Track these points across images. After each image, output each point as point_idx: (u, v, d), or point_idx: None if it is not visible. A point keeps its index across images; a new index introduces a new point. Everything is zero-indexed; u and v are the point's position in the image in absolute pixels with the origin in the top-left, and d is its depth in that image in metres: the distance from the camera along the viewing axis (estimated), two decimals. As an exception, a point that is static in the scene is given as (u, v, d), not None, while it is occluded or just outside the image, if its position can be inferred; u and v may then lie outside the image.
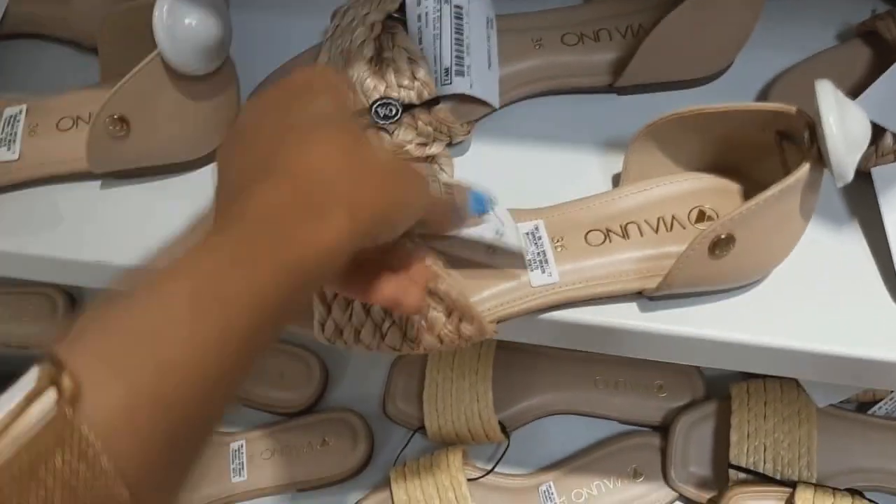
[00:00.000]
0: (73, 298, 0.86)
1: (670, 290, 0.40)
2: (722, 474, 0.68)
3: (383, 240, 0.31)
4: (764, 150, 0.40)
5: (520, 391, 0.76)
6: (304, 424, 0.76)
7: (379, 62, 0.44)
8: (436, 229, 0.36)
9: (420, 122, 0.44)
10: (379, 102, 0.43)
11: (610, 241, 0.41)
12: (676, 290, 0.40)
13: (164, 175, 0.48)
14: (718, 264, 0.38)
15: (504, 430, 0.73)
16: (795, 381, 0.69)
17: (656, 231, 0.42)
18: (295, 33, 0.52)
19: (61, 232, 0.46)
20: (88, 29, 0.50)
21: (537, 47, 0.48)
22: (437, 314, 0.39)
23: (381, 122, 0.43)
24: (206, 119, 0.46)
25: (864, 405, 0.72)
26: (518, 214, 0.42)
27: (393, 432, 0.77)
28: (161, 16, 0.41)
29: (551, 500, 0.70)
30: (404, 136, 0.43)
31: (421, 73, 0.43)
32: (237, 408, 0.79)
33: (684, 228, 0.42)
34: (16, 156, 0.48)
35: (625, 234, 0.41)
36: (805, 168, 0.36)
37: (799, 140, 0.38)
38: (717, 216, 0.42)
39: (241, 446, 0.75)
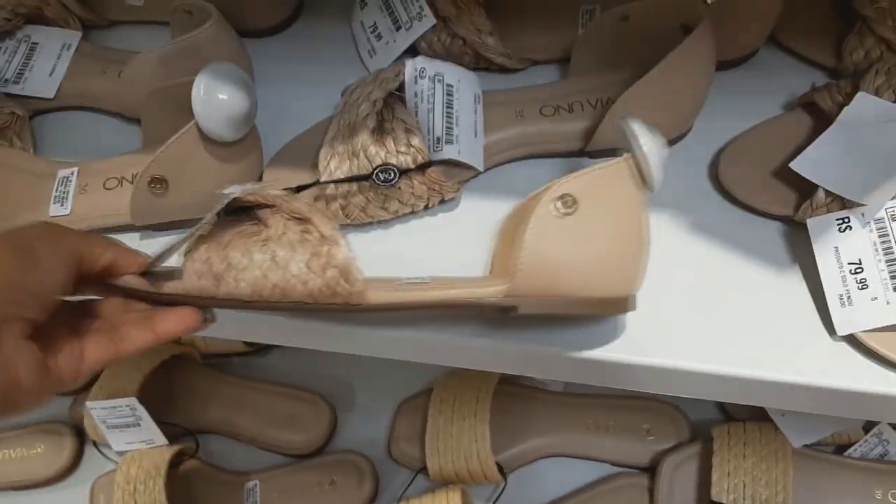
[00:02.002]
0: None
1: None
2: (705, 511, 0.72)
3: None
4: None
5: (517, 434, 0.81)
6: (314, 465, 0.81)
7: (380, 132, 0.50)
8: (119, 270, 0.42)
9: (416, 183, 0.50)
10: (380, 168, 0.49)
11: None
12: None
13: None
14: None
15: (501, 471, 0.77)
16: (773, 423, 0.74)
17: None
18: (310, 105, 0.58)
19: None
20: (133, 102, 0.57)
21: (519, 117, 0.55)
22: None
23: (381, 185, 0.50)
24: (233, 179, 0.52)
25: (840, 448, 0.77)
26: None
27: (397, 473, 0.81)
28: (199, 91, 0.48)
29: (546, 537, 0.74)
30: (391, 206, 0.50)
31: (416, 141, 0.50)
32: (251, 450, 0.84)
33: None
34: (68, 211, 0.55)
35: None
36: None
37: None
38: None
39: (255, 486, 0.80)
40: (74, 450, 0.85)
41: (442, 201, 0.53)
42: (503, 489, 0.78)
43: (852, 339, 0.46)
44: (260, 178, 0.56)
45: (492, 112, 0.55)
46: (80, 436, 0.86)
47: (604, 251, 0.42)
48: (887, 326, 0.45)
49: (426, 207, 0.53)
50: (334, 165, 0.50)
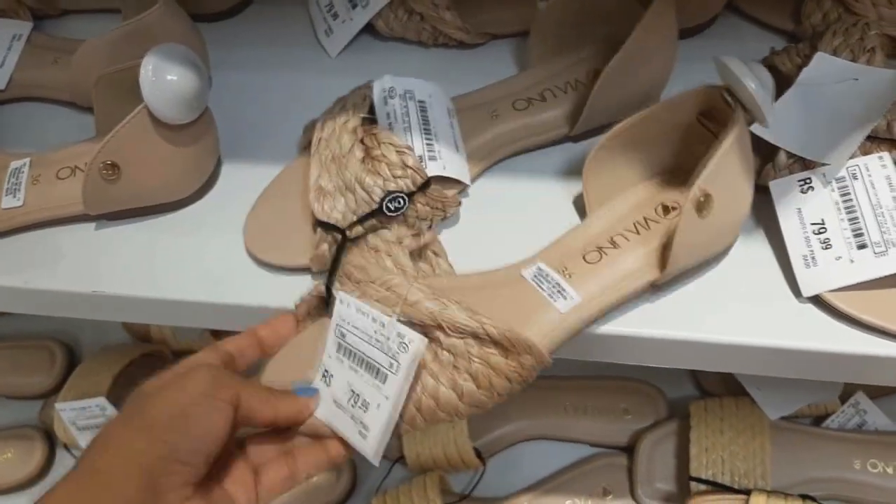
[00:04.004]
0: (71, 351, 0.91)
1: (677, 266, 0.44)
2: (685, 488, 0.71)
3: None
4: (695, 138, 0.46)
5: (494, 419, 0.80)
6: (291, 459, 0.80)
7: (370, 161, 0.48)
8: (260, 419, 0.41)
9: (419, 205, 0.48)
10: (389, 198, 0.47)
11: (606, 255, 0.46)
12: (681, 265, 0.44)
13: (151, 215, 0.53)
14: (707, 226, 0.43)
15: (480, 456, 0.77)
16: (749, 397, 0.74)
17: (638, 233, 0.47)
18: (267, 88, 0.58)
19: (61, 268, 0.51)
20: (85, 90, 0.56)
21: (494, 118, 0.54)
22: (497, 358, 0.41)
23: (392, 214, 0.47)
24: (188, 163, 0.52)
25: (818, 420, 0.77)
26: (518, 265, 0.46)
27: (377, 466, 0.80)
28: (147, 73, 0.47)
29: (526, 521, 0.74)
30: (398, 232, 0.47)
31: (411, 161, 0.47)
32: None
33: (658, 223, 0.47)
34: (20, 202, 0.53)
35: (614, 245, 0.46)
36: (739, 117, 0.42)
37: (718, 114, 0.44)
38: (679, 204, 0.47)
39: (231, 481, 0.79)
40: (45, 454, 0.83)
41: (443, 219, 0.50)
42: (482, 474, 0.77)
43: (818, 300, 0.46)
44: (217, 165, 0.55)
45: (466, 117, 0.53)
46: (51, 440, 0.84)
47: (727, 221, 0.44)
48: (852, 285, 0.45)
49: (429, 228, 0.50)
50: (329, 206, 0.47)
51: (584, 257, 0.46)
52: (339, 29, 0.59)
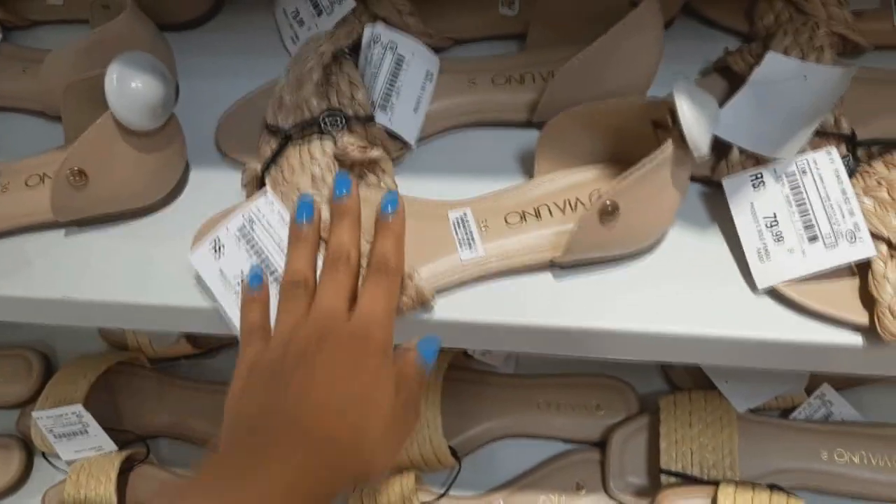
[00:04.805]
0: (47, 360, 0.91)
1: (573, 255, 0.46)
2: (656, 480, 0.73)
3: None
4: (646, 140, 0.47)
5: (469, 418, 0.81)
6: (268, 462, 0.80)
7: (326, 85, 0.50)
8: None
9: (356, 134, 0.50)
10: (327, 113, 0.49)
11: (525, 221, 0.48)
12: (578, 255, 0.47)
13: (119, 221, 0.54)
14: (609, 231, 0.45)
15: (455, 455, 0.78)
16: (717, 390, 0.75)
17: (563, 211, 0.49)
18: (235, 97, 0.58)
19: (31, 275, 0.52)
20: (53, 100, 0.57)
21: (471, 85, 0.56)
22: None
23: (329, 129, 0.49)
24: (155, 169, 0.52)
25: (785, 412, 0.78)
26: (449, 205, 0.49)
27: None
28: (112, 81, 0.48)
29: (501, 518, 0.75)
30: (349, 139, 0.49)
31: (359, 95, 0.50)
32: (204, 452, 0.83)
33: (585, 208, 0.49)
34: (-11, 211, 0.54)
35: (537, 214, 0.49)
36: (668, 144, 0.43)
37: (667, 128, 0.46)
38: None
39: (209, 486, 0.79)
40: (22, 462, 0.83)
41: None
42: (457, 473, 0.78)
43: (773, 292, 0.47)
44: (185, 172, 0.55)
45: (445, 79, 0.56)
46: (28, 448, 0.85)
47: (634, 231, 0.46)
48: (805, 276, 0.46)
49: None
50: (281, 118, 0.50)
51: (505, 217, 0.49)
52: (305, 36, 0.60)
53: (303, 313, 0.43)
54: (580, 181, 0.50)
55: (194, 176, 0.56)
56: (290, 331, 0.43)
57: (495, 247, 0.48)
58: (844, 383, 0.78)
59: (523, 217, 0.49)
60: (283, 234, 0.47)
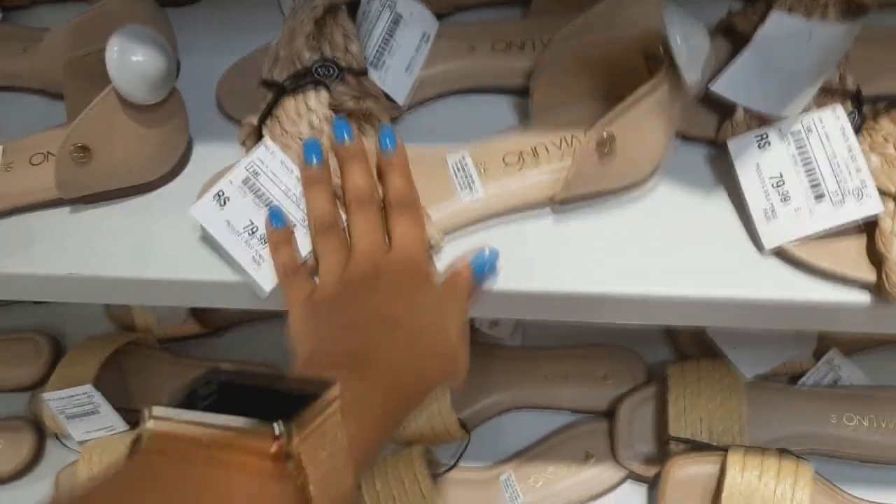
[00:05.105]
0: (57, 343, 0.91)
1: (571, 191, 0.47)
2: (665, 449, 0.73)
3: None
4: (639, 75, 0.47)
5: (477, 391, 0.81)
6: (279, 438, 0.81)
7: (319, 37, 0.50)
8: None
9: (349, 85, 0.50)
10: (320, 63, 0.49)
11: (523, 162, 0.49)
12: (577, 191, 0.47)
13: (124, 197, 0.53)
14: (606, 164, 0.45)
15: (465, 427, 0.78)
16: (725, 358, 0.75)
17: (560, 150, 0.49)
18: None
19: (37, 252, 0.52)
20: (54, 78, 0.56)
21: (470, 51, 0.56)
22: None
23: (321, 78, 0.49)
24: (158, 144, 0.52)
25: (793, 378, 0.78)
26: (447, 150, 0.50)
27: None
28: (112, 54, 0.48)
29: (511, 488, 0.75)
30: (342, 89, 0.49)
31: (353, 47, 0.50)
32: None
33: (581, 143, 0.49)
34: (-7, 190, 0.54)
35: (535, 154, 0.49)
36: (661, 74, 0.43)
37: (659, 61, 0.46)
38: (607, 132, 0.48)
39: (220, 463, 0.80)
40: (34, 444, 0.84)
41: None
42: (467, 445, 0.78)
43: (780, 252, 0.47)
44: (188, 147, 0.55)
45: (444, 44, 0.55)
46: (40, 430, 0.85)
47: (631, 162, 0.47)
48: (812, 235, 0.46)
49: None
50: (276, 72, 0.50)
51: (503, 159, 0.49)
52: (305, 8, 0.60)
53: (343, 251, 0.46)
54: (576, 120, 0.50)
55: (197, 151, 0.56)
56: (340, 269, 0.45)
57: (495, 188, 0.49)
58: (853, 347, 0.78)
59: (521, 158, 0.49)
60: (289, 182, 0.48)
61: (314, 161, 0.47)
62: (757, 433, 0.73)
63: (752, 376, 0.74)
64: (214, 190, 0.48)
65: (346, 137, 0.47)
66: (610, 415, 0.78)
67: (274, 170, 0.48)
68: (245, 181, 0.48)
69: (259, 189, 0.48)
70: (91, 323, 0.90)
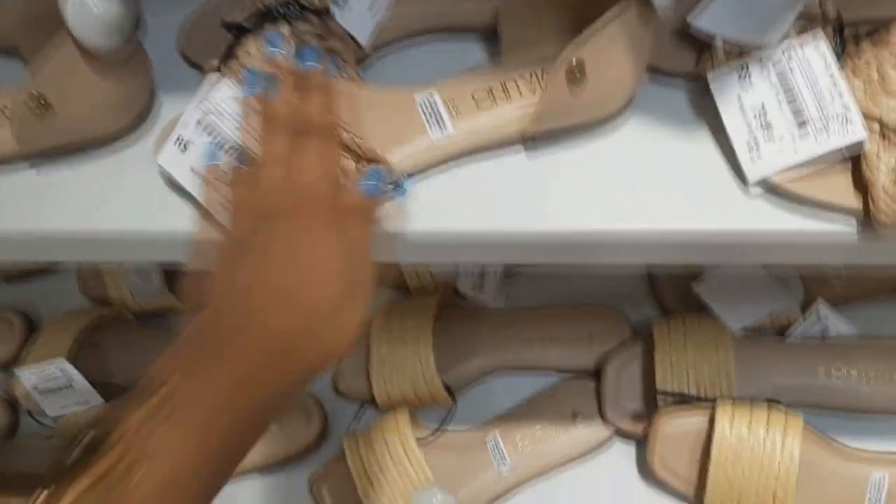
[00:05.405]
0: (30, 321, 0.89)
1: (543, 125, 0.46)
2: (652, 404, 0.72)
3: None
4: (608, 5, 0.45)
5: (462, 354, 0.80)
6: (260, 409, 0.79)
7: None
8: None
9: (311, 23, 0.48)
10: (280, 2, 0.48)
11: (493, 98, 0.48)
12: (549, 124, 0.46)
13: (86, 150, 0.51)
14: (578, 94, 0.44)
15: (450, 391, 0.77)
16: (711, 312, 0.74)
17: (530, 84, 0.48)
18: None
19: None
20: (12, 35, 0.55)
21: None
22: (348, 161, 0.44)
23: (283, 17, 0.48)
24: (120, 94, 0.50)
25: (781, 331, 0.77)
26: (415, 89, 0.48)
27: (348, 409, 0.80)
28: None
29: (498, 450, 0.74)
30: (306, 28, 0.47)
31: None
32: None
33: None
34: (-48, 150, 0.52)
35: (505, 89, 0.48)
36: None
37: None
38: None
39: (201, 435, 0.78)
40: (8, 421, 0.82)
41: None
42: (453, 409, 0.77)
43: (766, 185, 0.46)
44: (151, 99, 0.53)
45: None
46: (14, 408, 0.83)
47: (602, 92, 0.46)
48: (796, 165, 0.45)
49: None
50: (238, 13, 0.49)
51: (473, 95, 0.48)
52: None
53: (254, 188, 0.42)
54: (546, 56, 0.48)
55: (161, 104, 0.54)
56: (249, 207, 0.41)
57: (465, 125, 0.47)
58: (839, 300, 0.77)
59: (491, 94, 0.48)
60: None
61: (253, 90, 0.44)
62: (745, 386, 0.72)
63: (738, 329, 0.73)
64: (174, 136, 0.47)
65: (309, 62, 0.44)
66: (596, 374, 0.77)
67: (226, 107, 0.46)
68: (199, 122, 0.47)
69: (215, 129, 0.46)
70: (65, 300, 0.88)
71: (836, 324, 0.76)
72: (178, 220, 0.48)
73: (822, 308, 0.76)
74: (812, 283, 0.77)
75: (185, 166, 0.46)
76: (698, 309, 0.75)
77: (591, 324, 0.79)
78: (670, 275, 0.80)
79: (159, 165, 0.47)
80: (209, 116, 0.46)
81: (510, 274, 0.84)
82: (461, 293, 0.82)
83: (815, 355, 0.74)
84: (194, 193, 0.47)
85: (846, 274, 0.78)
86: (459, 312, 0.82)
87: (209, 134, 0.46)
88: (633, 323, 0.79)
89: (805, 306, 0.76)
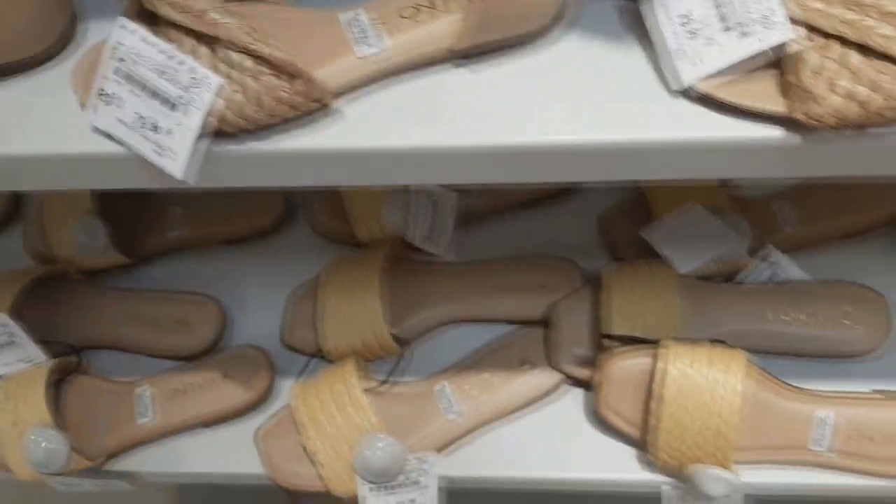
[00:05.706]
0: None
1: (469, 40, 0.46)
2: (601, 349, 0.71)
3: None
4: None
5: (413, 306, 0.79)
6: (205, 364, 0.78)
7: None
8: None
9: None
10: None
11: (420, 13, 0.47)
12: (475, 39, 0.46)
13: (7, 76, 0.50)
14: (501, 6, 0.45)
15: (401, 342, 0.76)
16: (659, 258, 0.74)
17: None
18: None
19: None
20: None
21: None
22: (269, 77, 0.43)
23: None
24: (35, 15, 0.49)
25: (730, 277, 0.77)
26: (340, 10, 0.48)
27: (297, 362, 0.79)
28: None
29: (446, 398, 0.73)
30: None
31: None
32: (141, 360, 0.81)
33: None
34: None
35: (431, 4, 0.48)
36: None
37: None
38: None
39: (146, 391, 0.77)
40: (-51, 380, 0.80)
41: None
42: (401, 359, 0.76)
43: (693, 92, 0.45)
44: (72, 22, 0.52)
45: None
46: (-44, 367, 0.81)
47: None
48: (723, 70, 0.44)
49: None
50: None
51: (399, 13, 0.48)
52: None
53: None
54: None
55: (82, 28, 0.53)
56: None
57: (393, 41, 0.47)
58: (790, 244, 0.77)
59: (418, 9, 0.47)
60: (159, 58, 0.44)
61: None
62: (693, 331, 0.71)
63: (686, 271, 0.72)
64: (95, 90, 0.45)
65: None
66: (546, 324, 0.76)
67: (138, 49, 0.44)
68: (116, 71, 0.45)
69: (132, 75, 0.44)
70: (9, 259, 0.87)
71: (786, 268, 0.75)
72: (101, 144, 0.47)
73: (772, 252, 0.76)
74: (762, 230, 0.77)
75: (115, 121, 0.45)
76: (649, 257, 0.75)
77: (543, 274, 0.79)
78: (622, 223, 0.80)
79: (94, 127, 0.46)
80: (124, 63, 0.45)
81: (462, 225, 0.83)
82: (412, 245, 0.81)
83: (764, 300, 0.73)
84: (131, 146, 0.45)
85: (795, 218, 0.78)
86: (411, 265, 0.81)
87: (130, 82, 0.45)
88: (586, 273, 0.79)
89: (755, 252, 0.76)
